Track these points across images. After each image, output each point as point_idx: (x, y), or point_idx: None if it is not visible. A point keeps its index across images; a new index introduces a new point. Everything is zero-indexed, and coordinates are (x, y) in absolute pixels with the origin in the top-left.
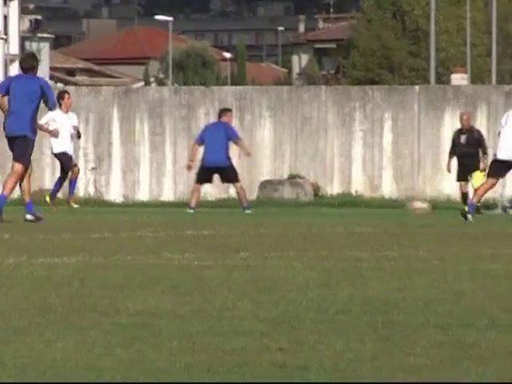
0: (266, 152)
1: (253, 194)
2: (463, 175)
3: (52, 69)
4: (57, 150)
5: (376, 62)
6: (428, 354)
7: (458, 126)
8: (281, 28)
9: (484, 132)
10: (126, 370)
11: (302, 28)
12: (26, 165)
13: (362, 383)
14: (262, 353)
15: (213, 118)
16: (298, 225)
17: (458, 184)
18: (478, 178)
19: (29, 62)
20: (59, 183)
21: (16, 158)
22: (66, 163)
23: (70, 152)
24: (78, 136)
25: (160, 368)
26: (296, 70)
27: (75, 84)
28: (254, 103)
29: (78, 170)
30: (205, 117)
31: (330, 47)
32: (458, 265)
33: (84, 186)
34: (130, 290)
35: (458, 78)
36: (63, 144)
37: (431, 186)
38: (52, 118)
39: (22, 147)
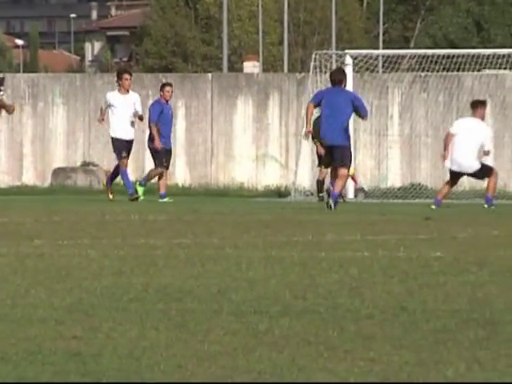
0: (58, 139)
1: (46, 182)
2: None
3: None
4: (112, 134)
5: (169, 49)
6: (222, 341)
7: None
8: (73, 15)
9: (277, 120)
10: None
11: (94, 15)
12: (348, 167)
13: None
14: (56, 341)
15: None
16: (92, 212)
17: (322, 171)
18: (352, 168)
19: (338, 76)
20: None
21: (340, 164)
22: (117, 149)
23: (128, 137)
24: (140, 118)
25: None
26: (89, 57)
27: None
28: (46, 90)
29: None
30: None
31: (123, 34)
32: (252, 252)
33: None
34: None
35: (250, 66)
36: (116, 129)
37: (224, 174)
38: (109, 102)
39: (343, 155)
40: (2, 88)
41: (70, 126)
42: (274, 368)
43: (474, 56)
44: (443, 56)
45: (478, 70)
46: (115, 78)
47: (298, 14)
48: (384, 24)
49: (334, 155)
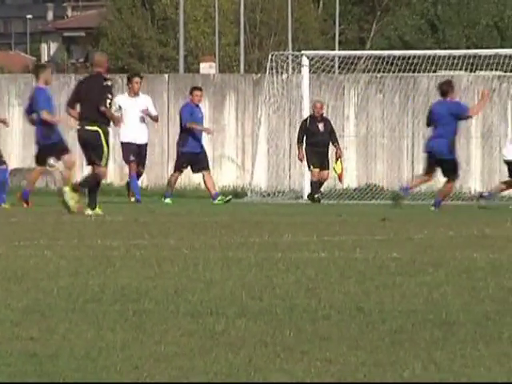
0: (15, 140)
1: None
2: (321, 162)
3: None
4: (122, 140)
5: (126, 50)
6: (178, 343)
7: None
8: (29, 16)
9: (233, 121)
10: None
11: (50, 16)
12: (455, 180)
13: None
14: (13, 342)
15: None
16: (49, 213)
17: (313, 171)
18: (339, 166)
19: (442, 87)
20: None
21: (448, 178)
22: (124, 153)
23: (139, 141)
24: (155, 119)
25: None
26: (45, 58)
27: None
28: (2, 91)
29: (141, 166)
30: None
31: (79, 35)
32: (209, 253)
33: None
34: None
35: (207, 67)
36: (126, 133)
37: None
38: (118, 105)
39: (449, 169)
40: (110, 96)
41: (26, 127)
42: (230, 369)
43: (429, 57)
44: (399, 57)
45: (434, 71)
46: (126, 81)
47: (255, 15)
48: (340, 25)
49: (442, 169)
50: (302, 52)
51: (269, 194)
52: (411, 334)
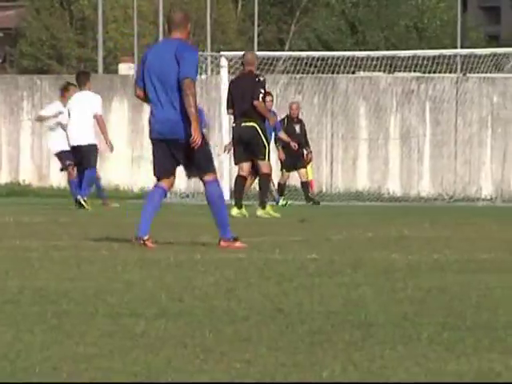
0: None
1: None
2: (293, 165)
3: None
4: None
5: (45, 52)
6: (98, 343)
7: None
8: None
9: None
10: None
11: None
12: None
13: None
14: None
15: None
16: None
17: (284, 174)
18: (311, 171)
19: None
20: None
21: None
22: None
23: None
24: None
25: None
26: None
27: None
28: None
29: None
30: None
31: None
32: (128, 254)
33: None
34: None
35: (126, 68)
36: (61, 141)
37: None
38: (58, 111)
39: None
40: (262, 91)
41: None
42: (149, 370)
43: (348, 58)
44: (318, 58)
45: (353, 72)
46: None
47: None
48: (259, 26)
49: None
50: (221, 53)
51: (187, 196)
52: (330, 334)
